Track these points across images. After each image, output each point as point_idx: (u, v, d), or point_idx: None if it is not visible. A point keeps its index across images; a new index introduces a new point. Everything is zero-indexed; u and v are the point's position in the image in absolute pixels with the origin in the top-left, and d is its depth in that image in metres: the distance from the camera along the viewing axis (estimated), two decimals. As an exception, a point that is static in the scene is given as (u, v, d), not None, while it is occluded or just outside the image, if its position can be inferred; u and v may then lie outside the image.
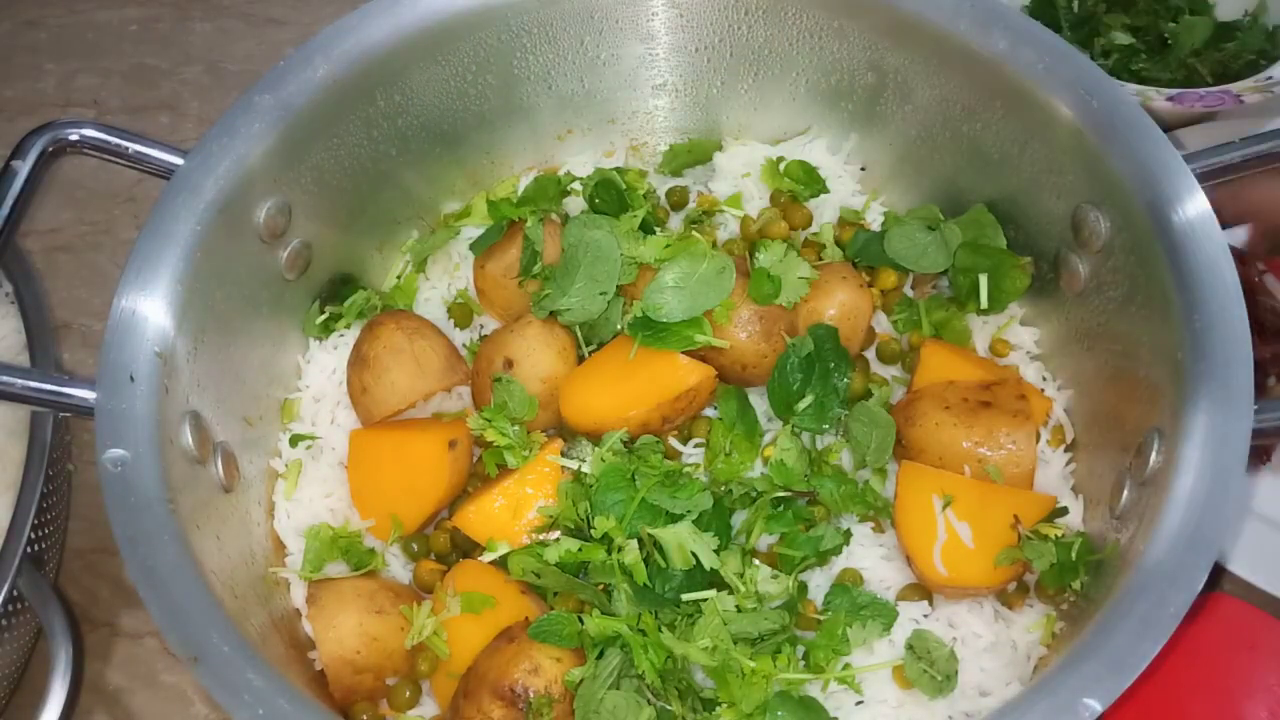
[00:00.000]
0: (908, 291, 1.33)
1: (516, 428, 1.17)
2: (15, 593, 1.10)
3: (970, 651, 1.09)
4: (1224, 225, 1.05)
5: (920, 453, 1.16)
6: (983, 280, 1.27)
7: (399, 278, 1.41)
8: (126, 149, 1.13)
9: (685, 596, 1.06)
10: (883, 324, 1.32)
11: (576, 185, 1.40)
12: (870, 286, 1.28)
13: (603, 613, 1.05)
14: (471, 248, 1.34)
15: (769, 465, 1.15)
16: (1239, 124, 1.51)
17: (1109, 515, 1.09)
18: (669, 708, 1.02)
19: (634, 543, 1.06)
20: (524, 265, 1.25)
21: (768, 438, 1.21)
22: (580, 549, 1.07)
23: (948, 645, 1.08)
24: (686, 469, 1.14)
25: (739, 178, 1.41)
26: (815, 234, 1.36)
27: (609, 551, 1.07)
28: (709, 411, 1.23)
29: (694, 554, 1.05)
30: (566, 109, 1.41)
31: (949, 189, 1.34)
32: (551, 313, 1.21)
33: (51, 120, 1.12)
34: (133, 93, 1.86)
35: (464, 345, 1.31)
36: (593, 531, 1.08)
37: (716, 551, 1.07)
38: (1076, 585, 1.09)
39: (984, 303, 1.27)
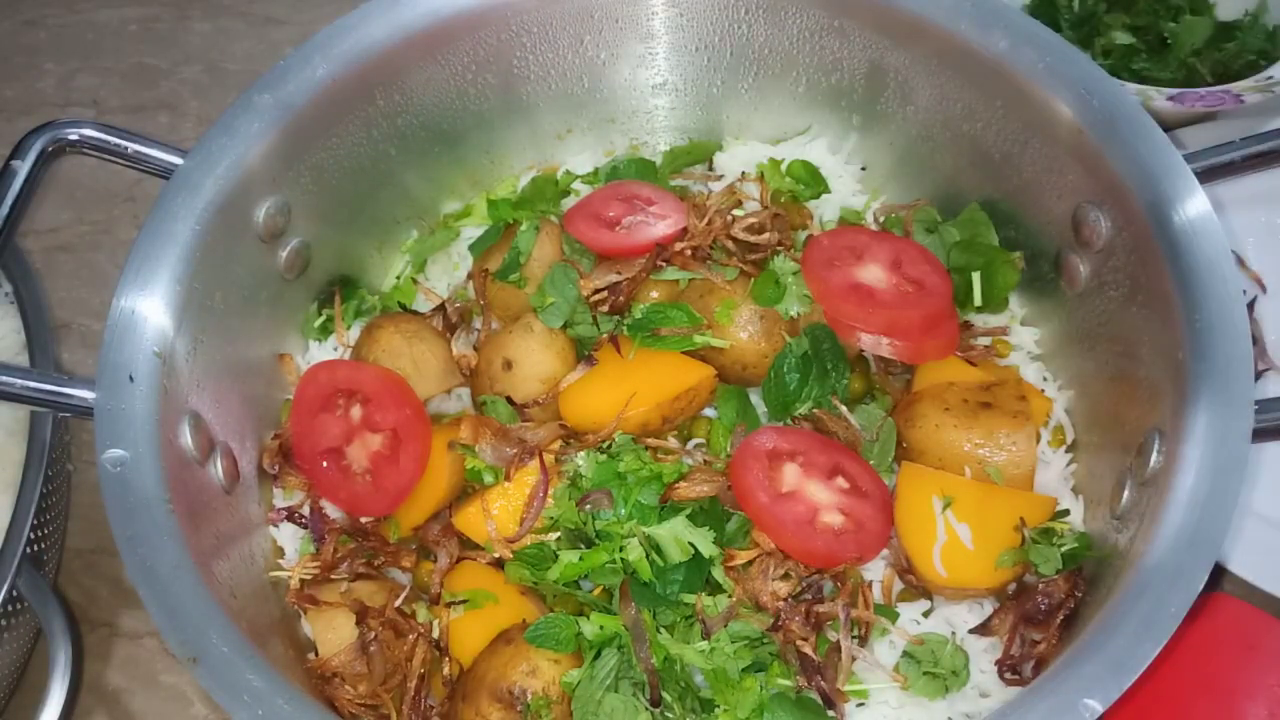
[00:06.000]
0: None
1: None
2: (15, 593, 1.09)
3: (970, 652, 1.09)
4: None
5: (921, 454, 1.16)
6: (975, 278, 1.27)
7: (398, 278, 1.40)
8: (126, 149, 1.13)
9: (686, 598, 1.06)
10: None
11: (578, 185, 1.40)
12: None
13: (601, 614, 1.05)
14: (471, 249, 1.34)
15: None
16: (1239, 124, 1.51)
17: (1109, 516, 1.09)
18: (668, 716, 1.02)
19: (635, 540, 1.06)
20: (504, 268, 1.26)
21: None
22: (581, 558, 1.06)
23: (950, 641, 1.08)
24: (682, 468, 1.14)
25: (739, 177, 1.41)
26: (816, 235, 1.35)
27: (610, 552, 1.06)
28: (709, 411, 1.23)
29: (691, 544, 1.05)
30: (566, 108, 1.41)
31: (950, 189, 1.34)
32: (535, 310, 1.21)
33: (51, 120, 1.12)
34: (132, 92, 1.86)
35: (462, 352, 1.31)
36: (595, 534, 1.08)
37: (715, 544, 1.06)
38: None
39: (978, 300, 1.27)
